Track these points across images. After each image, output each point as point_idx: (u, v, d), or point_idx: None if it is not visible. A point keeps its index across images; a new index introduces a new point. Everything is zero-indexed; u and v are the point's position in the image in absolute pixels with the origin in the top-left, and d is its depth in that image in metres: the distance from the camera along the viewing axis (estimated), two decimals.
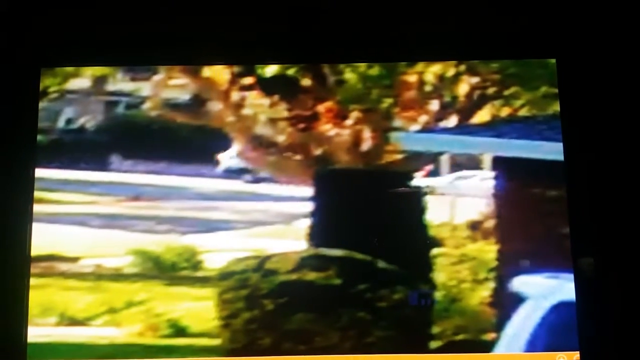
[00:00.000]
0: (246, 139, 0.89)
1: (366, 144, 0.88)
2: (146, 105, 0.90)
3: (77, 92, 0.90)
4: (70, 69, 0.90)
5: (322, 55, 0.90)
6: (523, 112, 0.88)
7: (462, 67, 0.89)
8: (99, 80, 0.91)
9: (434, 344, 0.84)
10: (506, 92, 0.88)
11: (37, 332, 0.85)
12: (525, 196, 0.86)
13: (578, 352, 0.82)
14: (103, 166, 0.89)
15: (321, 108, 0.89)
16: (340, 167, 0.88)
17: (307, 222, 0.86)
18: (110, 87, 0.91)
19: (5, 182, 0.87)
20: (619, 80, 0.87)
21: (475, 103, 0.88)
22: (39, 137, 0.88)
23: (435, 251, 0.85)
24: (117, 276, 0.86)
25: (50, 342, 0.85)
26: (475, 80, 0.89)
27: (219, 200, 0.88)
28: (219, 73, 0.90)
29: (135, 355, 0.84)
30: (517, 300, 0.84)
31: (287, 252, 0.86)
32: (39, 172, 0.88)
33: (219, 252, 0.87)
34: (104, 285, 0.86)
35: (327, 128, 0.89)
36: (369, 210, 0.87)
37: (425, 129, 0.88)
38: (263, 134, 0.89)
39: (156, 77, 0.90)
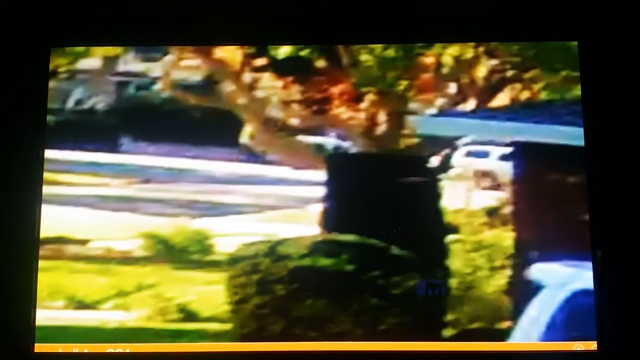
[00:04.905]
0: (259, 121, 0.88)
1: (381, 128, 0.87)
2: (157, 86, 0.89)
3: (88, 73, 0.89)
4: (80, 48, 0.89)
5: (336, 36, 0.88)
6: (543, 96, 0.86)
7: (481, 49, 0.87)
8: (110, 61, 0.90)
9: (447, 332, 0.83)
10: (526, 75, 0.86)
11: (46, 315, 0.84)
12: (544, 182, 0.84)
13: (595, 341, 0.81)
14: (113, 148, 0.89)
15: (335, 90, 0.88)
16: (354, 151, 0.87)
17: (319, 207, 0.85)
18: (121, 67, 0.90)
19: (15, 163, 0.86)
20: None
21: (493, 86, 0.87)
22: (49, 118, 0.88)
23: (450, 238, 0.84)
24: (127, 259, 0.86)
25: (59, 326, 0.84)
26: (494, 62, 0.87)
27: (231, 183, 0.88)
28: (231, 54, 0.89)
29: (144, 339, 0.84)
30: (534, 288, 0.83)
31: (299, 237, 0.85)
32: (49, 154, 0.87)
33: (230, 236, 0.86)
34: (114, 269, 0.86)
35: (341, 111, 0.87)
36: (383, 195, 0.85)
37: (442, 113, 0.87)
38: (276, 116, 0.88)
39: (167, 58, 0.89)
